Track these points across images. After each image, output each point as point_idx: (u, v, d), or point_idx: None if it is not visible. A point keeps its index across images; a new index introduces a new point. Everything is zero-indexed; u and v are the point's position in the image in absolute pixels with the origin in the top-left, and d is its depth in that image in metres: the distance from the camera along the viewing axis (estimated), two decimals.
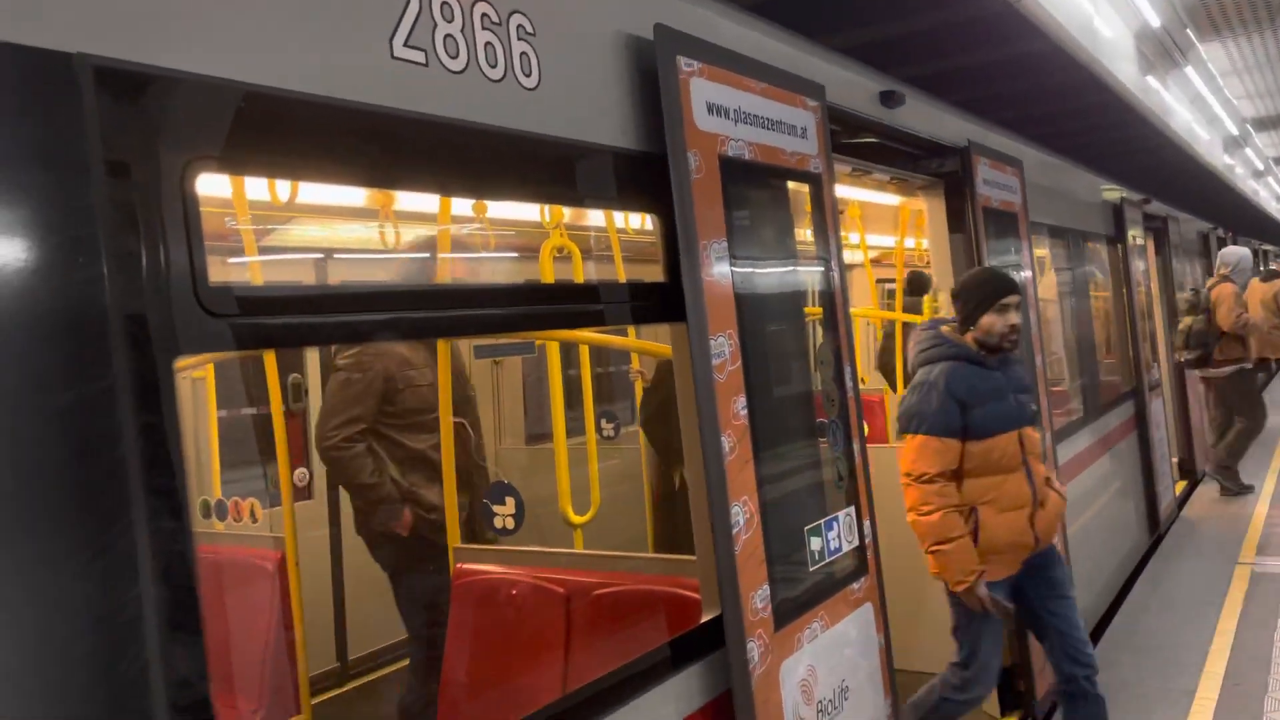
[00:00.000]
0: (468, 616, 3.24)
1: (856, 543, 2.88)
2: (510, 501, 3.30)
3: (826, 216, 2.99)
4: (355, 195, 4.55)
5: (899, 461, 3.45)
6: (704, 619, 2.43)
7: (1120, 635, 5.33)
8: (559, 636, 3.00)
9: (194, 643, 1.28)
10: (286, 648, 3.68)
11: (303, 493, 5.37)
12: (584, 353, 3.92)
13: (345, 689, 5.36)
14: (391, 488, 3.76)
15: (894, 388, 6.49)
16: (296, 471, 5.22)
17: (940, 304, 4.42)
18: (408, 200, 4.55)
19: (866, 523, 2.95)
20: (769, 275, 2.72)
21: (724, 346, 2.38)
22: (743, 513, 2.38)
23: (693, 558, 2.72)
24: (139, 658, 1.22)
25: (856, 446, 2.95)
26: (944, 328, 3.61)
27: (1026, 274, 4.87)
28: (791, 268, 2.87)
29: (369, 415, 3.75)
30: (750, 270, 2.55)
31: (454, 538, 3.42)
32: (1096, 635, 5.25)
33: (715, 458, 2.31)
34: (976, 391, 3.40)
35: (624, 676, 2.16)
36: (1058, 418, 5.38)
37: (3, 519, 1.16)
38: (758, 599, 2.38)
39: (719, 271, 2.39)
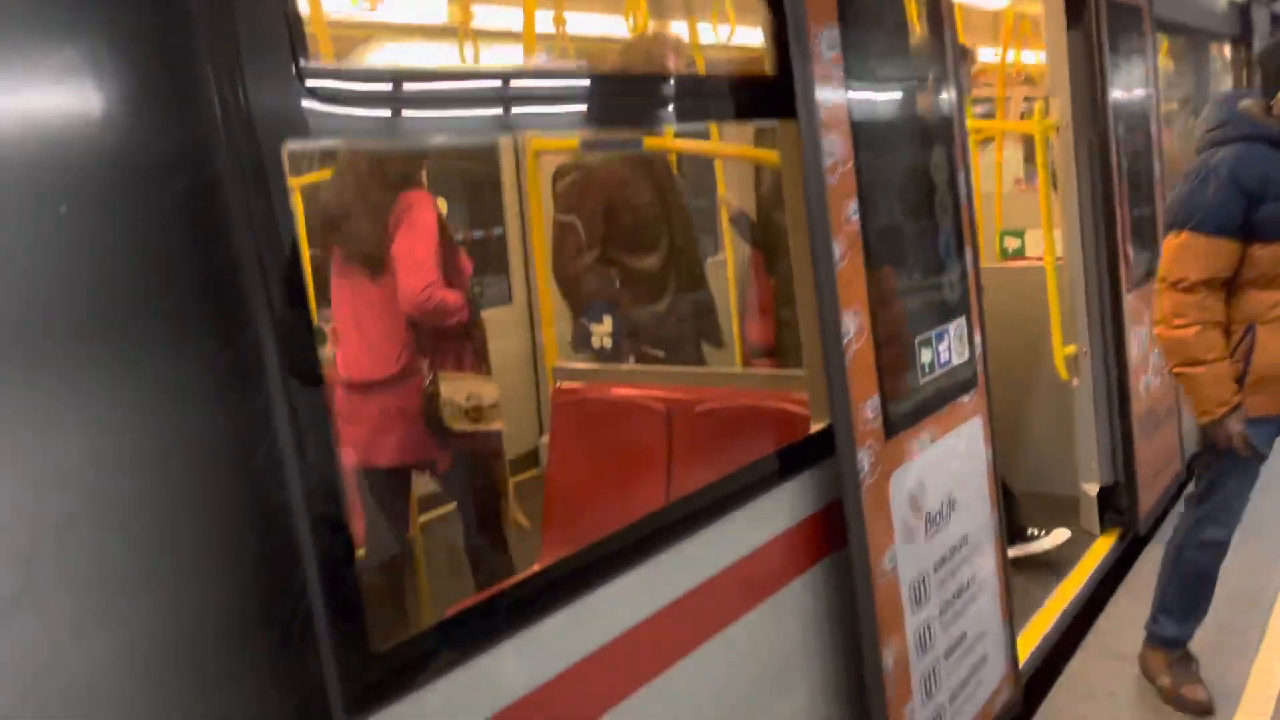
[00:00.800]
0: (567, 436, 3.26)
1: (967, 355, 2.78)
2: (608, 320, 3.26)
3: (942, 12, 2.76)
4: (434, 12, 4.39)
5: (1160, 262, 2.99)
6: (813, 429, 2.39)
7: None
8: (660, 454, 3.01)
9: (324, 434, 1.27)
10: None
11: None
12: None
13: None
14: None
15: None
16: None
17: (1052, 118, 4.13)
18: (486, 17, 4.36)
19: (977, 335, 2.85)
20: (883, 71, 2.53)
21: (835, 146, 2.24)
22: (854, 322, 2.30)
23: (794, 372, 2.67)
24: (273, 449, 1.21)
25: (969, 256, 2.81)
26: (1246, 101, 2.99)
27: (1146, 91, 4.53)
28: (906, 65, 2.67)
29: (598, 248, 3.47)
30: (864, 65, 2.37)
31: (551, 356, 3.42)
32: None
33: (826, 264, 2.21)
34: (1272, 182, 2.80)
35: (731, 486, 2.15)
36: None
37: (125, 313, 1.13)
38: (868, 409, 2.32)
39: (830, 63, 2.22)
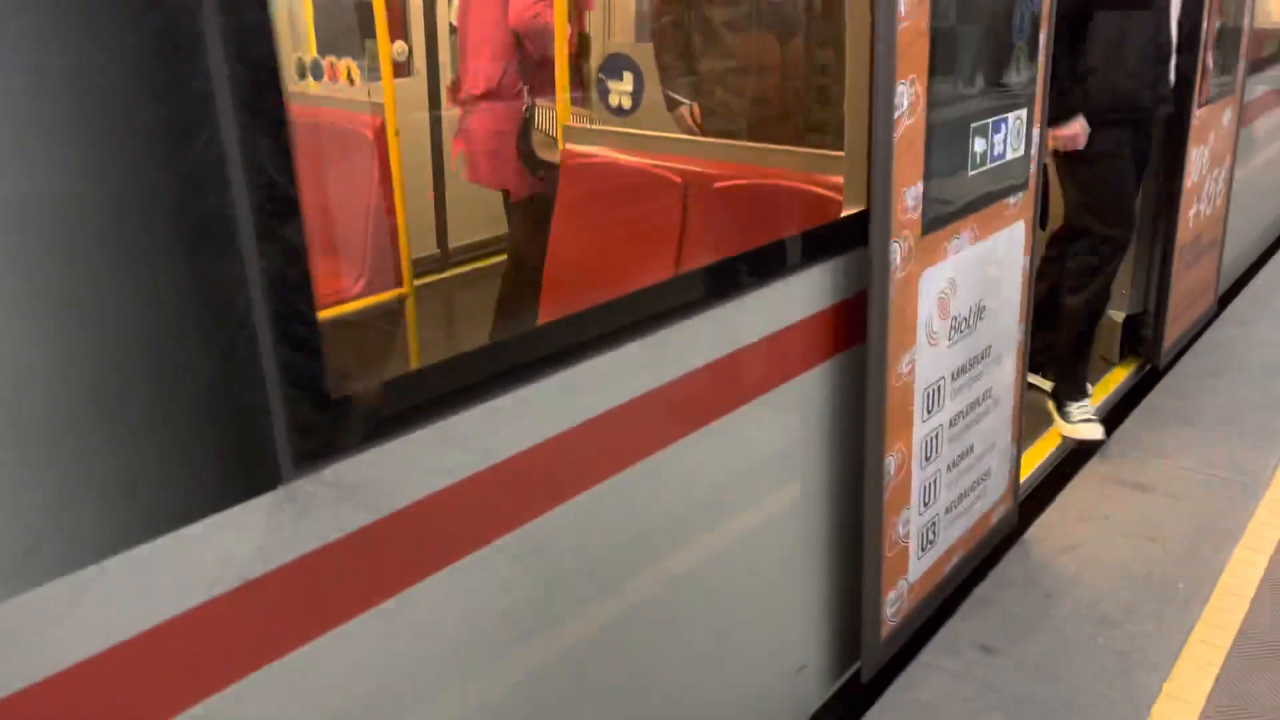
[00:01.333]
0: (574, 202, 3.04)
1: (1022, 151, 2.52)
2: (628, 77, 2.96)
3: None
4: None
5: None
6: (845, 213, 2.16)
7: None
8: (673, 231, 2.79)
9: (286, 190, 1.06)
10: (387, 220, 3.58)
11: (401, 69, 5.08)
12: None
13: (445, 275, 5.40)
14: None
15: None
16: (395, 45, 4.90)
17: None
18: None
19: (1036, 131, 2.57)
20: None
21: None
22: (909, 93, 2.02)
23: (829, 153, 2.41)
24: (226, 203, 1.00)
25: (1044, 36, 2.49)
26: None
27: None
28: None
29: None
30: None
31: (564, 115, 3.14)
32: None
33: (888, 19, 1.92)
34: None
35: (747, 266, 1.94)
36: None
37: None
38: (909, 197, 2.09)
39: None
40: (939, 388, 2.38)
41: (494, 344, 1.53)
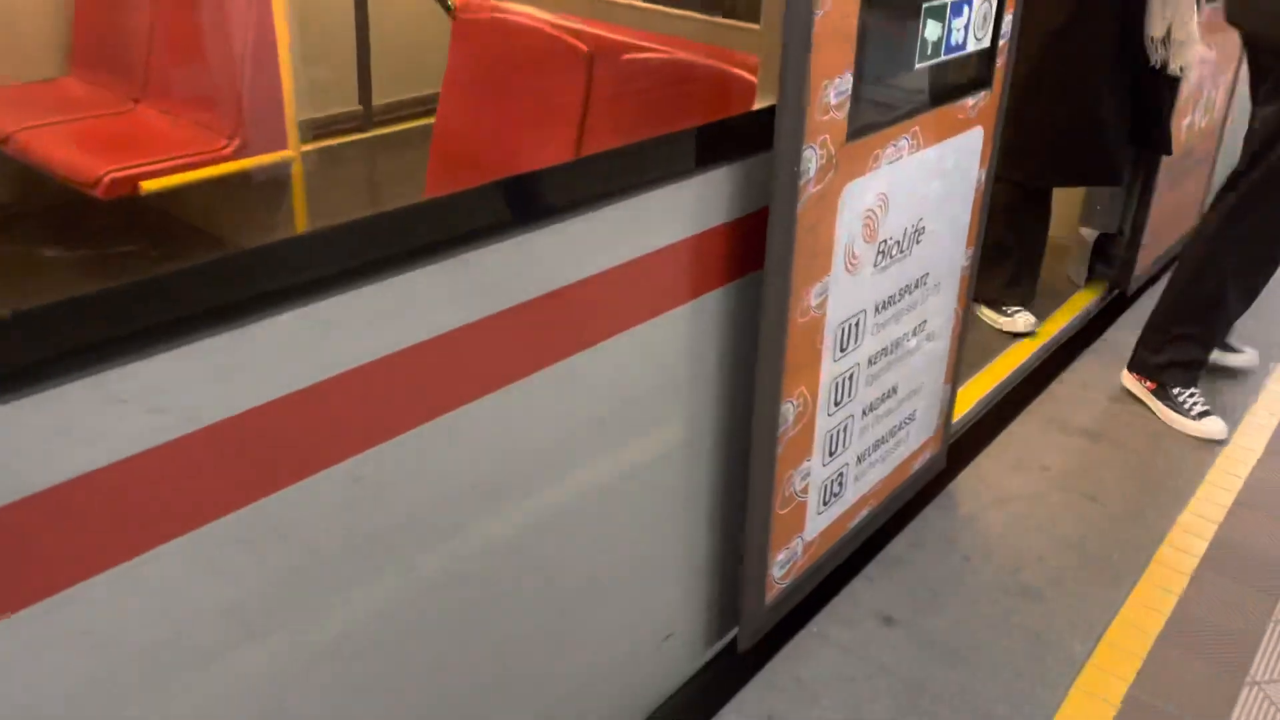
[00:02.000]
0: (463, 68, 2.58)
1: (988, 41, 2.08)
2: None
3: None
4: None
5: None
6: (756, 106, 1.75)
7: None
8: (575, 109, 2.36)
9: None
10: (270, 69, 3.10)
11: None
12: None
13: (369, 135, 4.90)
14: None
15: None
16: None
17: None
18: None
19: (1009, 17, 2.13)
20: None
21: None
22: None
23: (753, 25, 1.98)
24: None
25: None
26: None
27: None
28: None
29: None
30: None
31: None
32: None
33: None
34: None
35: (631, 161, 1.55)
36: None
37: None
38: (832, 92, 1.67)
39: None
40: (858, 322, 2.01)
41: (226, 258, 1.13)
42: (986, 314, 3.43)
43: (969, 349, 2.73)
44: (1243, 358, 3.28)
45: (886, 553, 2.38)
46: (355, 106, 4.85)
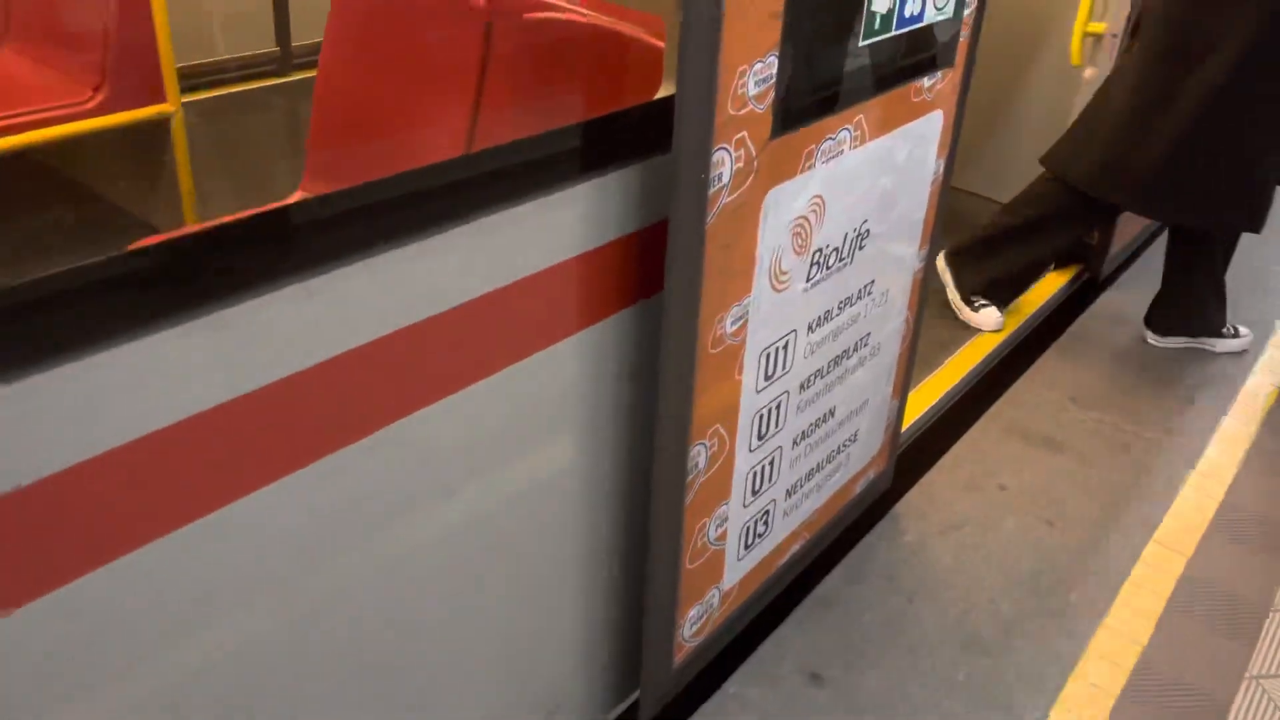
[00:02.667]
0: (349, 28, 2.22)
1: (951, 10, 1.75)
2: None
3: None
4: None
5: None
6: (662, 93, 1.42)
7: None
8: (469, 81, 2.02)
9: None
10: (141, 8, 2.71)
11: None
12: None
13: (289, 79, 4.49)
14: None
15: None
16: None
17: None
18: None
19: None
20: None
21: None
22: None
23: None
24: None
25: None
26: None
27: None
28: None
29: None
30: None
31: None
32: None
33: None
34: None
35: (499, 166, 1.23)
36: None
37: None
38: (751, 78, 1.34)
39: None
40: (786, 345, 1.71)
41: None
42: (953, 300, 3.13)
43: (924, 344, 2.44)
44: (1240, 341, 3.07)
45: (820, 591, 2.11)
46: (272, 48, 4.43)
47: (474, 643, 1.48)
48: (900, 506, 2.38)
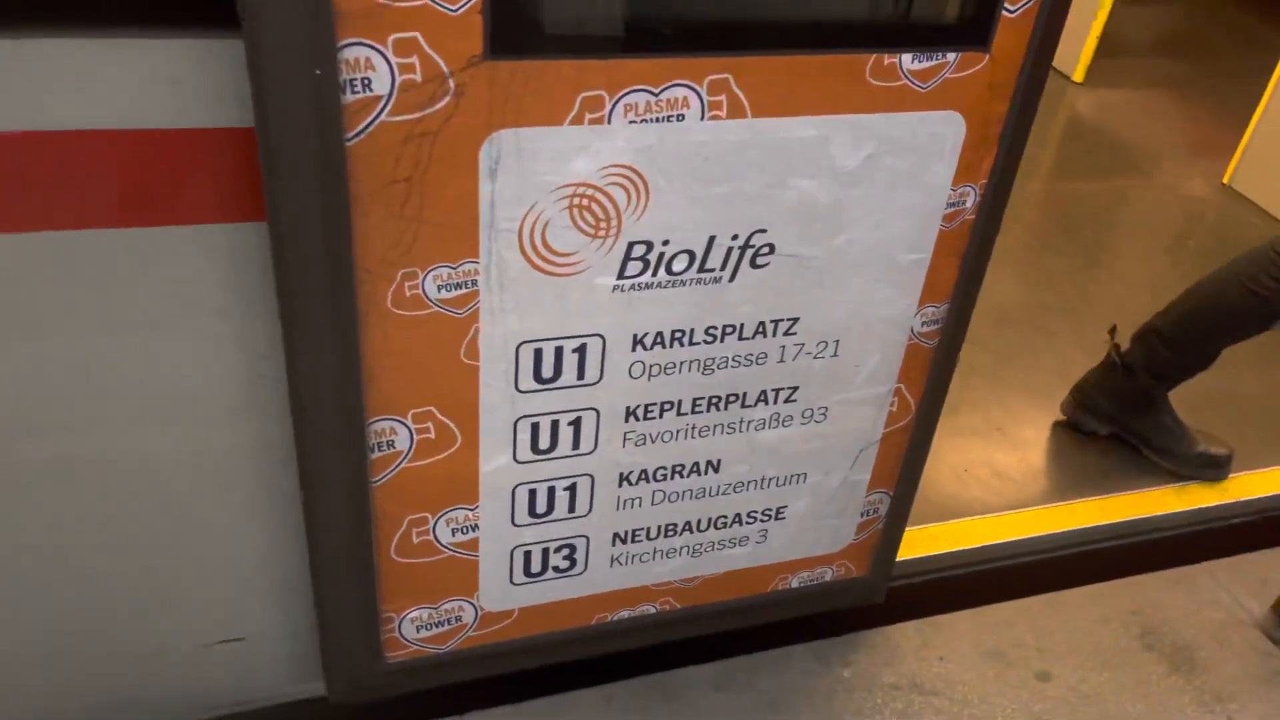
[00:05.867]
0: None
1: None
2: None
3: None
4: None
5: None
6: None
7: None
8: None
9: None
10: None
11: None
12: None
13: None
14: None
15: None
16: None
17: None
18: None
19: None
20: None
21: None
22: None
23: None
24: None
25: None
26: None
27: None
28: None
29: None
30: None
31: None
32: None
33: None
34: None
35: None
36: None
37: None
38: None
39: None
40: (582, 349, 1.31)
41: None
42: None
43: (1065, 463, 1.78)
44: None
45: (666, 676, 1.68)
46: None
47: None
48: (879, 635, 1.80)
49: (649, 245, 1.25)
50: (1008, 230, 3.05)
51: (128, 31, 1.03)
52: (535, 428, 1.36)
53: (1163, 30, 5.23)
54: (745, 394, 1.45)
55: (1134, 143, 3.91)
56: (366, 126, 1.06)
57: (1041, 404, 2.39)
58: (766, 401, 1.47)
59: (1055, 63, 4.50)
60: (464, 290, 1.21)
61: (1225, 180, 3.64)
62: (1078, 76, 4.43)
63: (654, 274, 1.28)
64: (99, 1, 1.02)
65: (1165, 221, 3.37)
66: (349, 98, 1.04)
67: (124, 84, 1.05)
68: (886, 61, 1.20)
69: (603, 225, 1.22)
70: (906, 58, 1.21)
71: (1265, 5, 5.61)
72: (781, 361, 1.43)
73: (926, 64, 1.22)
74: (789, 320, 1.39)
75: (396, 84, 1.04)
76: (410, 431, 1.30)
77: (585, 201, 1.19)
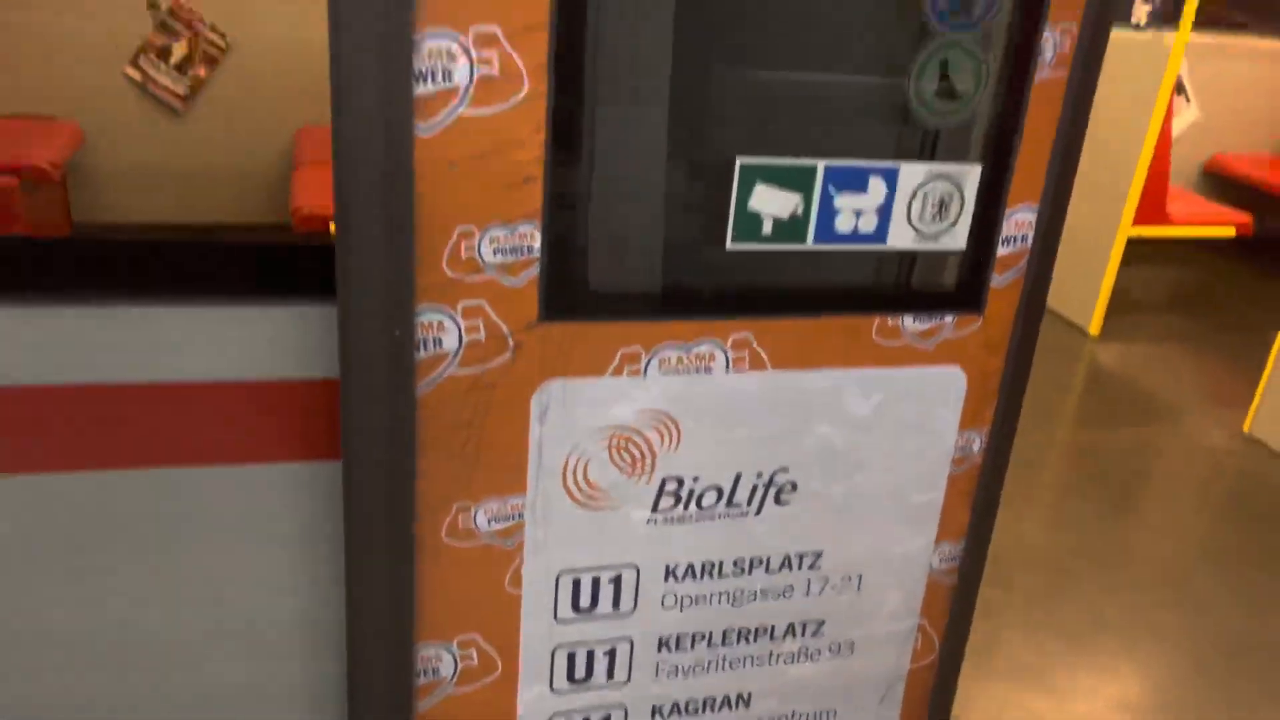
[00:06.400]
0: None
1: (954, 242, 1.34)
2: None
3: None
4: None
5: None
6: None
7: None
8: None
9: None
10: None
11: None
12: None
13: None
14: None
15: None
16: None
17: None
18: None
19: (1021, 215, 1.35)
20: None
21: None
22: None
23: None
24: None
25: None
26: None
27: None
28: None
29: None
30: None
31: None
32: None
33: None
34: None
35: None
36: None
37: None
38: (484, 243, 1.17)
39: None
40: (619, 579, 1.41)
41: None
42: None
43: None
44: None
45: None
46: None
47: None
48: None
49: (680, 481, 1.38)
50: (1034, 477, 3.13)
51: (242, 301, 1.22)
52: (571, 657, 1.44)
53: (1169, 287, 5.50)
54: (774, 627, 1.52)
55: (1152, 393, 4.05)
56: (436, 378, 1.22)
57: (1077, 649, 2.39)
58: (794, 634, 1.53)
59: (1072, 317, 4.70)
60: (511, 522, 1.33)
61: (1245, 429, 3.74)
62: (1094, 330, 4.64)
63: (685, 508, 1.39)
64: (216, 278, 1.22)
65: (1189, 469, 3.45)
66: (422, 355, 1.20)
67: (232, 344, 1.24)
68: (890, 323, 1.37)
69: (639, 463, 1.35)
70: (908, 319, 1.37)
71: (1266, 261, 5.91)
72: (807, 595, 1.51)
73: (927, 324, 1.38)
74: (813, 554, 1.49)
75: (464, 343, 1.21)
76: (454, 658, 1.38)
77: (623, 442, 1.33)
